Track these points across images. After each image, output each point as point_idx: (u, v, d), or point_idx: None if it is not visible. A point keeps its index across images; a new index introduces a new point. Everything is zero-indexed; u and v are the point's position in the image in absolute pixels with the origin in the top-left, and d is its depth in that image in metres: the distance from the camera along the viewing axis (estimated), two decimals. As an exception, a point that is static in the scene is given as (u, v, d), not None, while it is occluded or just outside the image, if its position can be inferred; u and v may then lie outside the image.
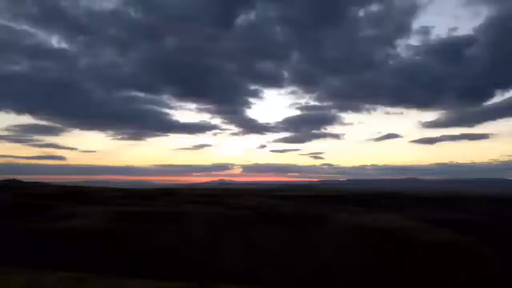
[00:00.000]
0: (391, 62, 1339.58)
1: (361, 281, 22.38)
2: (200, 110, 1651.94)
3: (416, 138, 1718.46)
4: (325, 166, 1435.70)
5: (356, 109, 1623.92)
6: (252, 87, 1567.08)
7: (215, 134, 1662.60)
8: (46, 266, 18.11)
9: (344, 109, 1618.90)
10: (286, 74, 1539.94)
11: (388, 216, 41.91)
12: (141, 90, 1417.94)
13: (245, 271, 23.56)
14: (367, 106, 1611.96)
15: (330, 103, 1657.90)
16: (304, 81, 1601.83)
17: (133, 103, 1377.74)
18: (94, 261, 22.72)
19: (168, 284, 16.93)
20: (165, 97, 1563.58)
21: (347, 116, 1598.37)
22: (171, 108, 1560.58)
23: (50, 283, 13.84)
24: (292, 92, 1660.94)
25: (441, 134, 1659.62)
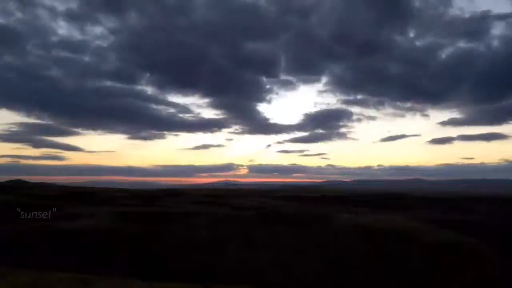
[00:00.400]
0: (400, 39, 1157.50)
1: (365, 281, 22.33)
2: (197, 106, 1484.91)
3: (428, 139, 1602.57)
4: (331, 167, 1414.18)
5: (364, 104, 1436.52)
6: (248, 78, 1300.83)
7: (213, 132, 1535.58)
8: (50, 267, 18.23)
9: (350, 104, 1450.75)
10: (282, 62, 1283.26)
11: (392, 217, 41.81)
12: (121, 81, 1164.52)
13: (248, 271, 23.58)
14: (374, 100, 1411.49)
15: (335, 99, 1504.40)
16: (304, 71, 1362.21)
17: (126, 99, 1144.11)
18: (98, 261, 22.83)
19: (172, 285, 16.99)
20: (156, 90, 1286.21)
21: (354, 113, 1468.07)
22: (168, 104, 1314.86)
23: (54, 283, 13.95)
24: (292, 84, 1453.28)
25: (455, 134, 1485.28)
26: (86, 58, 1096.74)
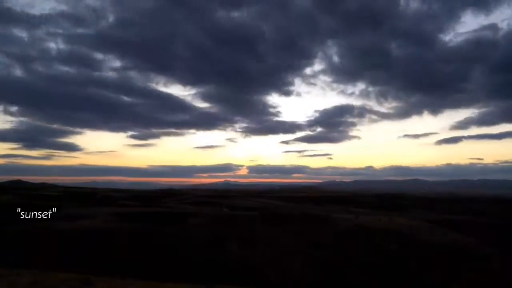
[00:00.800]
0: (406, 6, 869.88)
1: (365, 281, 22.32)
2: (186, 98, 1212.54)
3: (435, 139, 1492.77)
4: (332, 168, 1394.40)
5: (365, 97, 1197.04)
6: (234, 64, 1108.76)
7: (205, 130, 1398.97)
8: (50, 267, 18.22)
9: (349, 96, 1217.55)
10: (268, 45, 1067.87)
11: (392, 217, 41.79)
12: (80, 66, 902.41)
13: (249, 271, 23.57)
14: (376, 90, 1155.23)
15: (331, 90, 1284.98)
16: (297, 55, 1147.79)
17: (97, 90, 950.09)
18: (98, 261, 22.81)
19: (174, 285, 16.95)
20: (155, 83, 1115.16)
21: (356, 107, 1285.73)
22: (163, 99, 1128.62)
23: (54, 283, 13.93)
24: (284, 72, 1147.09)
25: (464, 134, 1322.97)
26: (21, 34, 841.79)
